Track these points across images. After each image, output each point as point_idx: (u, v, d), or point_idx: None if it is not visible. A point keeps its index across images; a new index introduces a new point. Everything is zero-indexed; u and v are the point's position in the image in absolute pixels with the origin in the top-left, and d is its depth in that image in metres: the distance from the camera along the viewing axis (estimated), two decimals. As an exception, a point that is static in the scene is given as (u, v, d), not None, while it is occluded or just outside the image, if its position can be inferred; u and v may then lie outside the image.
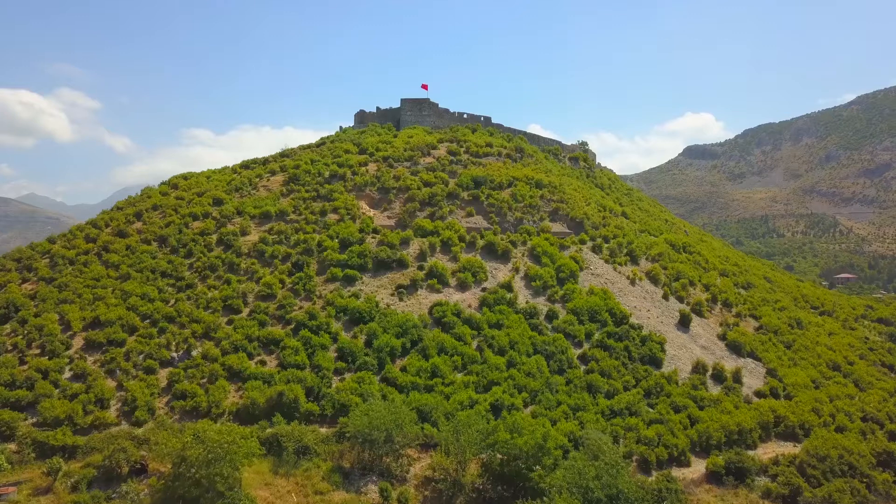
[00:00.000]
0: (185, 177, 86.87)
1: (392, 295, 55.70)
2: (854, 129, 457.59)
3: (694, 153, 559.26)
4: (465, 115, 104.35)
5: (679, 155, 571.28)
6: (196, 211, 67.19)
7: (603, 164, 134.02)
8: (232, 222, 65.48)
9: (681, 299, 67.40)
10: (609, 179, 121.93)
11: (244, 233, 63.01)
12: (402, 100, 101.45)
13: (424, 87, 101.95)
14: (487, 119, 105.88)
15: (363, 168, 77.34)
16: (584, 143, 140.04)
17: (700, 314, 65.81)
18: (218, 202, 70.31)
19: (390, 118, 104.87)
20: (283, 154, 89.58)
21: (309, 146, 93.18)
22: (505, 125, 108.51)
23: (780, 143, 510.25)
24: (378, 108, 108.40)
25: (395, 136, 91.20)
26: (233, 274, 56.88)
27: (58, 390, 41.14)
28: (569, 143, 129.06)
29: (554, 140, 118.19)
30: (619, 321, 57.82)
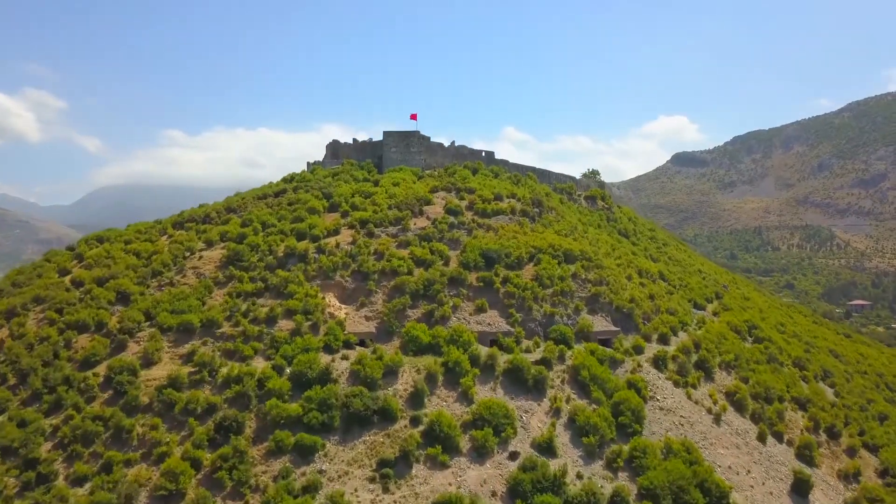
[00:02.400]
0: (100, 238, 66.13)
1: (372, 481, 35.26)
2: (846, 138, 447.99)
3: (682, 160, 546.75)
4: (463, 151, 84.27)
5: (667, 162, 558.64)
6: (86, 318, 46.06)
7: (609, 185, 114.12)
8: (136, 338, 44.53)
9: (779, 436, 48.08)
10: (630, 221, 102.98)
11: (149, 361, 42.03)
12: (384, 133, 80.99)
13: (413, 117, 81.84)
14: (490, 155, 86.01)
15: (332, 240, 56.63)
16: (594, 173, 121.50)
17: (810, 460, 46.56)
18: (123, 298, 49.31)
19: (370, 153, 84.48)
20: (230, 208, 68.74)
21: (265, 195, 72.36)
22: (511, 161, 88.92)
23: (770, 151, 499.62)
24: (355, 140, 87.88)
25: (377, 185, 70.83)
26: (118, 449, 35.96)
27: None
28: (580, 178, 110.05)
29: (566, 176, 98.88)
30: (715, 503, 38.17)
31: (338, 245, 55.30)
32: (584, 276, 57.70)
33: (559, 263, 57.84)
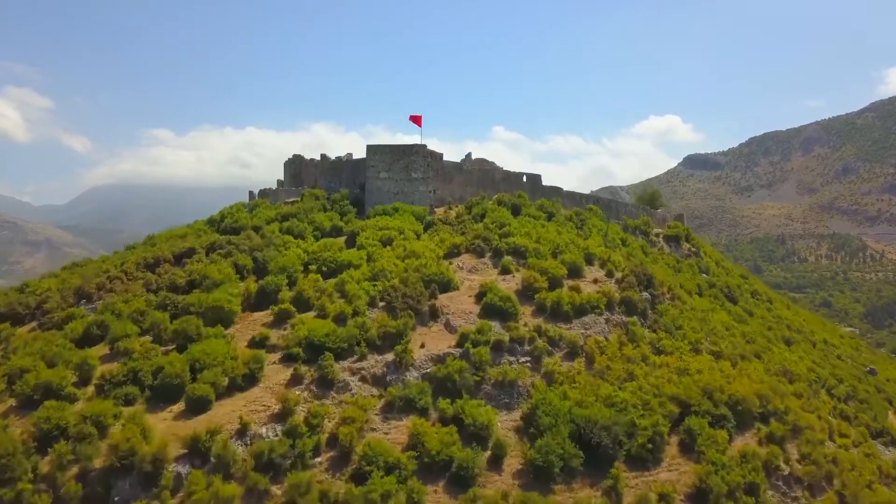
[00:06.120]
0: None
1: None
2: (872, 139, 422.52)
3: (694, 163, 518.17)
4: (494, 175, 52.96)
5: (678, 165, 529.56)
6: None
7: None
8: None
9: None
10: (718, 266, 72.22)
11: None
12: (368, 148, 49.11)
13: (416, 119, 49.77)
14: (535, 180, 54.82)
15: (236, 415, 25.24)
16: (656, 195, 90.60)
17: None
18: None
19: (348, 179, 53.16)
20: (83, 291, 37.32)
21: (157, 259, 40.99)
22: (564, 189, 57.79)
23: (788, 153, 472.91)
24: (324, 157, 56.45)
25: (353, 243, 39.73)
26: None
27: None
28: (652, 206, 79.02)
29: (635, 206, 67.97)
30: None
31: (244, 429, 23.70)
32: (781, 468, 26.62)
33: (730, 436, 26.80)
